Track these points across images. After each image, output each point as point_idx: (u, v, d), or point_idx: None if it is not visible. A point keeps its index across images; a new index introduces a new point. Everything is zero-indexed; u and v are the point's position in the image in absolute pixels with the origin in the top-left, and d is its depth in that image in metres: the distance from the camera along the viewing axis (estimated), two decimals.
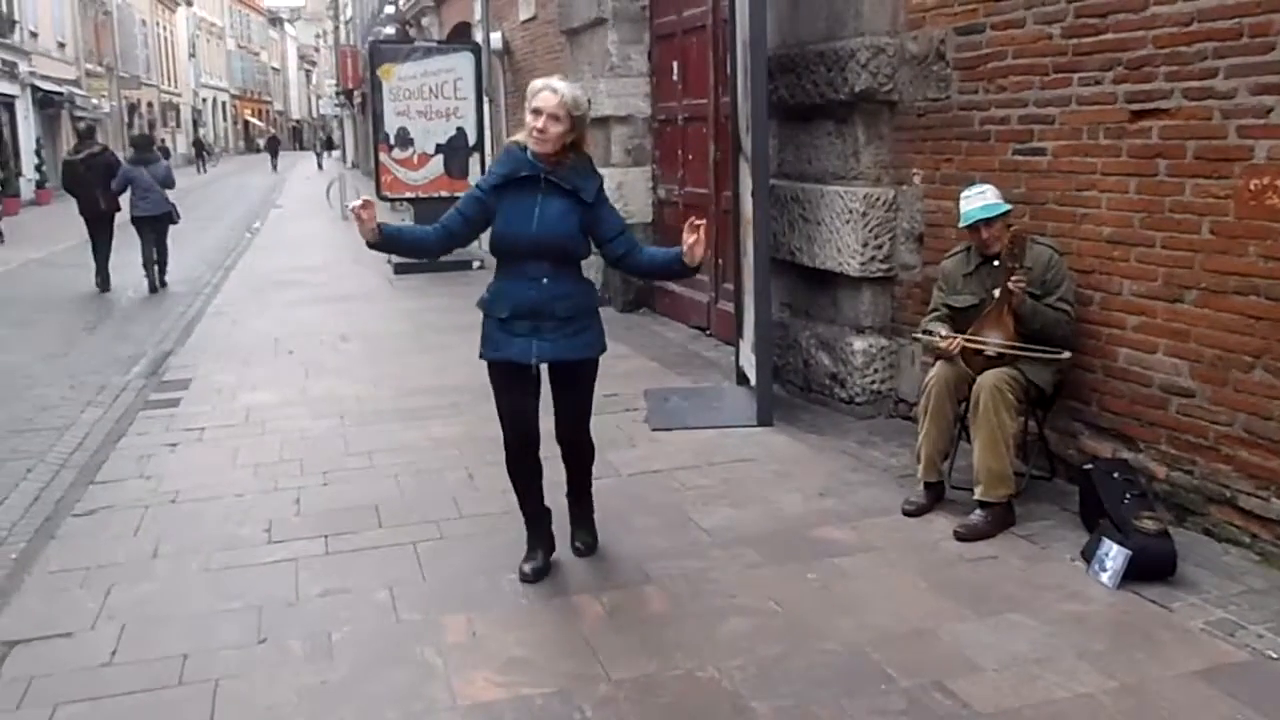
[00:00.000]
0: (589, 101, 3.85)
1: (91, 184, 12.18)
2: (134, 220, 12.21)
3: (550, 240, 3.71)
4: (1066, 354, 4.31)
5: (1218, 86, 3.92)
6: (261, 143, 67.43)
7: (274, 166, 45.47)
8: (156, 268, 12.40)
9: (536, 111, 3.65)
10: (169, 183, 12.39)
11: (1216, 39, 3.91)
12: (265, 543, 4.42)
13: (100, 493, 5.11)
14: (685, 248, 3.70)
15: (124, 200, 12.43)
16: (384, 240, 3.76)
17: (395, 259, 13.21)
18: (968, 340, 4.36)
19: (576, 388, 3.92)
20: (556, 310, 3.74)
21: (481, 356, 3.89)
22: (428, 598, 3.86)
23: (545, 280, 3.72)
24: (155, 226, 12.24)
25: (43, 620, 3.75)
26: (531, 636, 3.55)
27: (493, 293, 3.84)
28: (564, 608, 3.76)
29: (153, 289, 12.28)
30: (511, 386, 3.85)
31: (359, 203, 3.67)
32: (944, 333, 4.46)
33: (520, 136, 3.77)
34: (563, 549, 4.17)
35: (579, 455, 4.09)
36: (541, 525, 4.08)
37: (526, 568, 3.97)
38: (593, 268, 5.02)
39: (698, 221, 3.70)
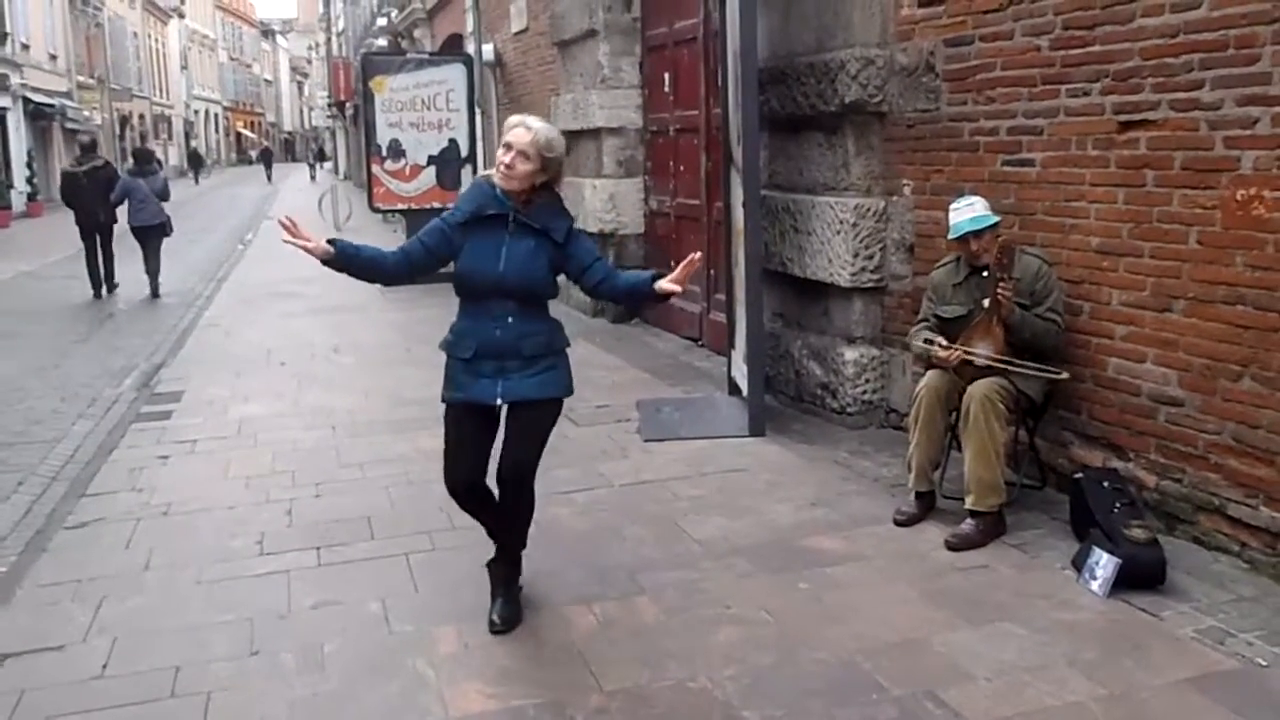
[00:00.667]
0: (564, 145, 3.68)
1: (91, 195, 12.49)
2: (133, 229, 12.66)
3: (517, 281, 3.56)
4: (1064, 374, 4.32)
5: (1204, 98, 3.95)
6: (254, 154, 67.91)
7: (268, 177, 46.15)
8: (153, 275, 12.81)
9: (507, 146, 3.53)
10: (165, 194, 12.83)
11: (1203, 50, 3.94)
12: (257, 555, 4.42)
13: (92, 505, 5.10)
14: (667, 278, 3.58)
15: (121, 211, 12.76)
16: (337, 256, 3.57)
17: None
18: (966, 353, 4.38)
19: (532, 426, 3.65)
20: (523, 349, 3.59)
21: (444, 399, 3.72)
22: (420, 609, 3.86)
23: (510, 319, 3.58)
24: (151, 235, 12.67)
25: (34, 633, 3.74)
26: (523, 647, 3.55)
27: (456, 333, 3.69)
28: (555, 618, 3.76)
29: (152, 295, 12.72)
30: (465, 428, 3.67)
31: (286, 221, 3.55)
32: (943, 342, 4.47)
33: (491, 171, 3.64)
34: (546, 561, 4.16)
35: (516, 501, 3.74)
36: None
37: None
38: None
39: (697, 257, 3.59)
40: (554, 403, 3.71)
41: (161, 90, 53.57)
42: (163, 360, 8.75)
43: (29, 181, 28.91)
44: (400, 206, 13.62)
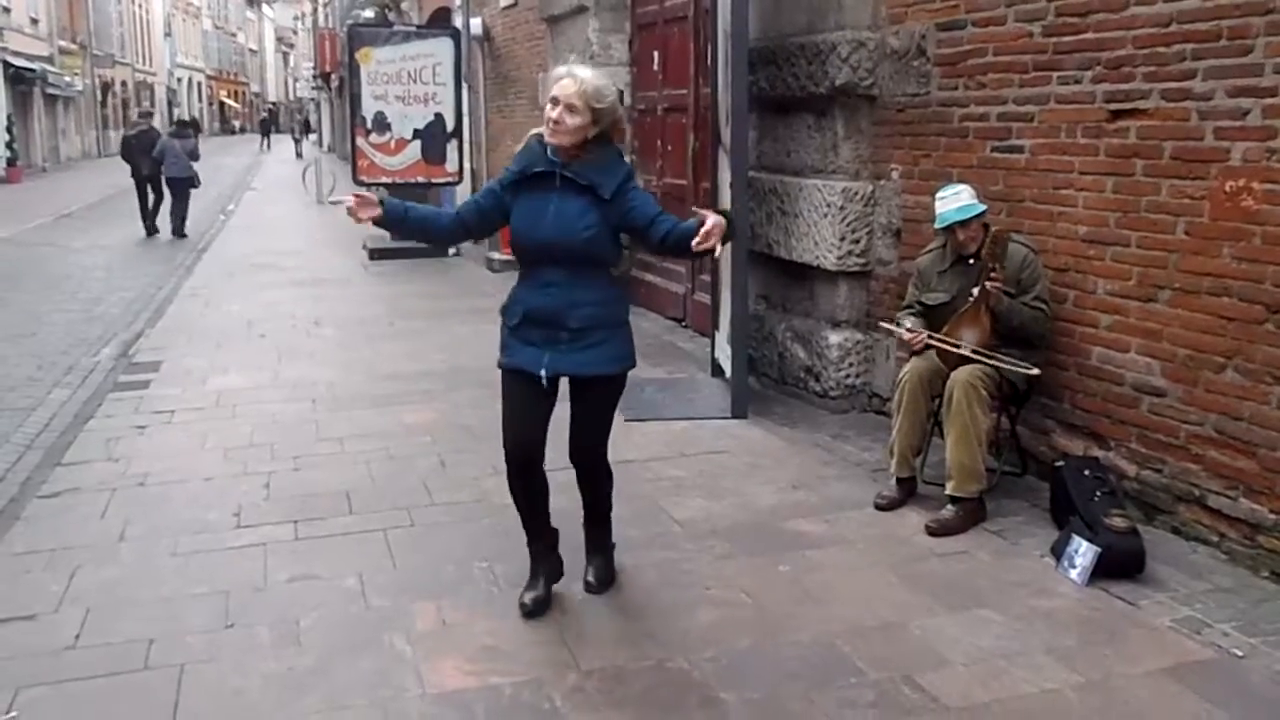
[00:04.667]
0: (620, 93, 3.46)
1: (139, 153, 15.91)
2: (166, 180, 15.78)
3: (564, 243, 3.35)
4: (1035, 370, 4.27)
5: (1195, 88, 3.94)
6: (236, 124, 67.79)
7: (266, 146, 46.98)
8: (178, 219, 15.83)
9: (554, 100, 3.33)
10: (195, 154, 16.16)
11: (1195, 40, 3.93)
12: (234, 527, 4.38)
13: (67, 474, 5.05)
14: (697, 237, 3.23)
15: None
16: (387, 215, 3.42)
17: (371, 243, 13.17)
18: (933, 338, 4.37)
19: (590, 404, 3.52)
20: (569, 320, 3.38)
21: (499, 364, 3.55)
22: (398, 585, 3.84)
23: (559, 286, 3.38)
24: (180, 186, 15.75)
25: (6, 602, 3.69)
26: (502, 625, 3.53)
27: (510, 298, 3.54)
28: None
29: (176, 235, 15.70)
30: (517, 395, 3.48)
31: (350, 201, 3.40)
32: (909, 325, 4.47)
33: (542, 128, 3.43)
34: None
35: (591, 480, 3.68)
36: (542, 549, 3.70)
37: (526, 598, 3.60)
38: None
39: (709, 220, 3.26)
40: (606, 379, 3.51)
41: (144, 57, 52.95)
42: (141, 330, 8.67)
43: (9, 146, 28.54)
44: (385, 180, 13.51)
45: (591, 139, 3.39)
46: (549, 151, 3.41)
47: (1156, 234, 4.14)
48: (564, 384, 3.53)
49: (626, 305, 3.61)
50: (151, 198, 16.16)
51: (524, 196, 3.44)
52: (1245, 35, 3.75)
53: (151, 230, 16.15)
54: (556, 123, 3.33)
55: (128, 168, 16.34)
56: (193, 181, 15.99)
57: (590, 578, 3.76)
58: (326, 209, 19.74)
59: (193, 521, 4.43)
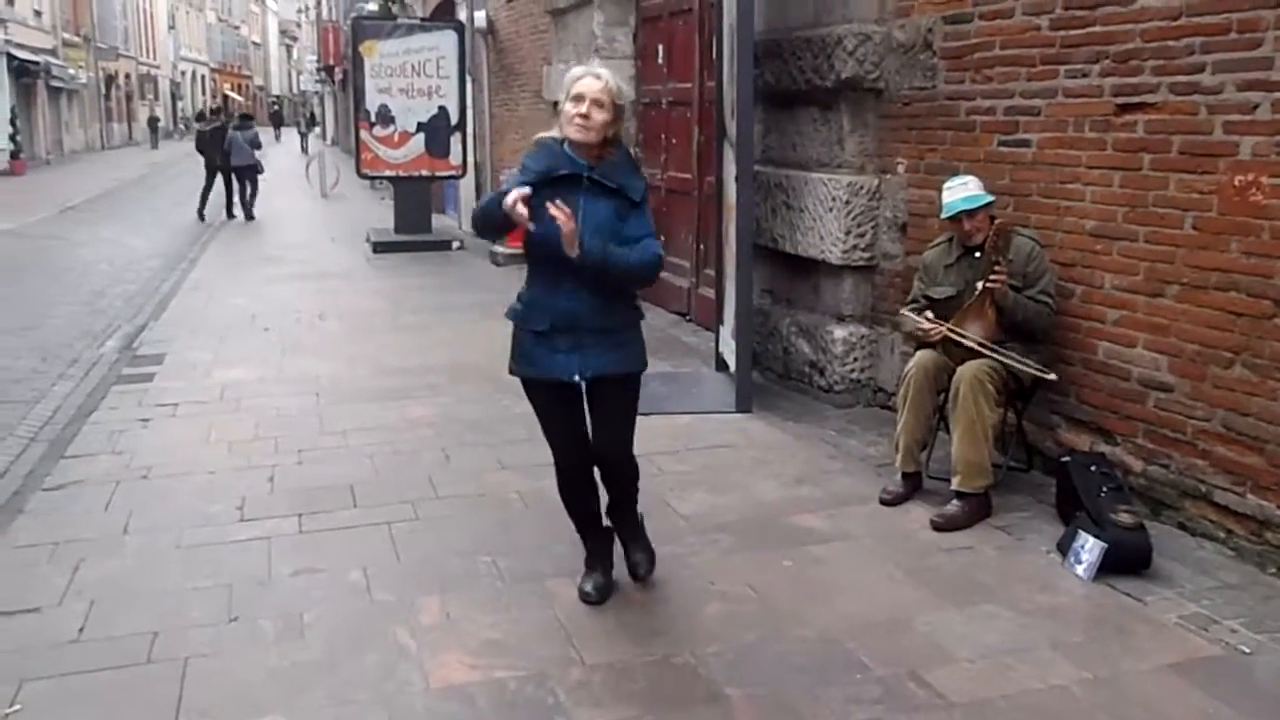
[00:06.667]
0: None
1: (211, 146, 17.44)
2: (233, 169, 17.27)
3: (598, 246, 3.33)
4: (1053, 376, 4.29)
5: (1204, 82, 3.92)
6: (237, 117, 68.14)
7: (277, 137, 48.55)
8: (248, 202, 17.28)
9: (579, 98, 3.31)
10: (256, 144, 17.60)
11: (1204, 34, 3.90)
12: (237, 521, 4.37)
13: (71, 467, 5.04)
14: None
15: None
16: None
17: (374, 237, 13.19)
18: (950, 330, 4.36)
19: (621, 401, 3.57)
20: (601, 322, 3.42)
21: (514, 373, 3.54)
22: (402, 579, 3.83)
23: (589, 289, 3.37)
24: (246, 173, 17.33)
25: (10, 595, 3.69)
26: (506, 620, 3.52)
27: (527, 303, 3.47)
28: (539, 591, 3.72)
29: (247, 218, 17.08)
30: (553, 406, 3.53)
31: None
32: (932, 316, 4.45)
33: (555, 131, 3.41)
34: (530, 534, 4.13)
35: (622, 475, 3.69)
36: (603, 543, 3.77)
37: (588, 586, 3.66)
38: None
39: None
40: (636, 376, 3.60)
41: (148, 50, 52.97)
42: (145, 322, 8.68)
43: (12, 139, 28.55)
44: (388, 173, 13.55)
45: (610, 139, 3.40)
46: (570, 151, 3.38)
47: (1164, 229, 4.11)
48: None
49: (639, 304, 3.66)
50: (225, 186, 17.53)
51: (548, 199, 3.28)
52: (1255, 28, 3.73)
53: (227, 214, 17.43)
54: (585, 118, 3.30)
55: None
56: (257, 168, 17.53)
57: (640, 569, 3.75)
58: (330, 202, 19.78)
59: (196, 515, 4.43)
